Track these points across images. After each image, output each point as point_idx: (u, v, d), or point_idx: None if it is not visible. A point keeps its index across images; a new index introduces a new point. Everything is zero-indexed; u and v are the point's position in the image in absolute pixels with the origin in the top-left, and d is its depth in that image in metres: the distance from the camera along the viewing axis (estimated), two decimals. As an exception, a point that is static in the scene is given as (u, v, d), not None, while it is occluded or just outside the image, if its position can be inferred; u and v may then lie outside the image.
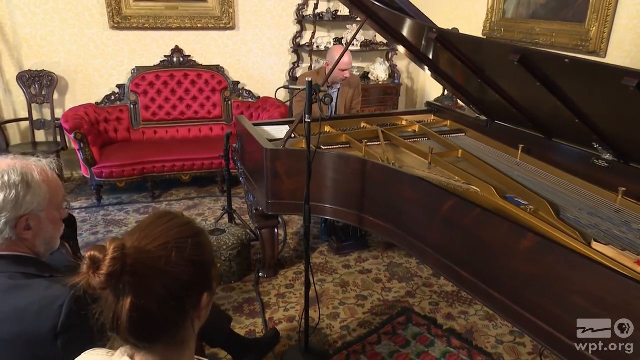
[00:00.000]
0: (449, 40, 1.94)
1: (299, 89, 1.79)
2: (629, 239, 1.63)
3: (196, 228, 0.81)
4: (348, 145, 2.66)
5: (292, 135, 2.57)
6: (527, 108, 2.22)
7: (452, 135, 2.84)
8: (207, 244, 0.82)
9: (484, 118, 2.73)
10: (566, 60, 1.43)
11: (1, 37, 3.90)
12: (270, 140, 2.52)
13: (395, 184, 2.05)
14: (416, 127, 2.96)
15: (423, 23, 1.99)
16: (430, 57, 2.48)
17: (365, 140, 2.50)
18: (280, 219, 3.50)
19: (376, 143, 2.65)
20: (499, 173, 2.14)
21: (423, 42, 2.30)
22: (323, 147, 2.54)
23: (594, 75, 1.44)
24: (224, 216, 3.31)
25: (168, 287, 0.73)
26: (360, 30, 4.46)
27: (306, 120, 1.79)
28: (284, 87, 1.84)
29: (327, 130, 2.87)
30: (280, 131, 2.74)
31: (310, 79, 1.77)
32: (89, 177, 3.79)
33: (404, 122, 3.07)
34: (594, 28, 2.61)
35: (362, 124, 3.00)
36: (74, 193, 4.09)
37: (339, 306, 2.62)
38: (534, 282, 1.50)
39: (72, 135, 3.60)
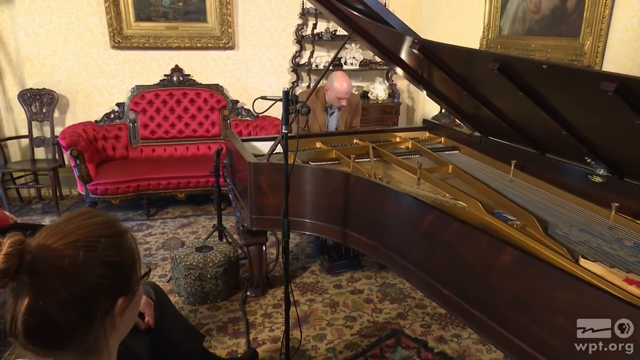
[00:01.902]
0: (432, 51, 1.89)
1: (276, 99, 1.75)
2: (619, 256, 1.54)
3: (116, 228, 0.76)
4: (337, 162, 2.61)
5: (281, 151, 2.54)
6: (517, 122, 2.16)
7: (446, 152, 2.79)
8: (128, 246, 0.76)
9: (478, 134, 2.67)
10: (544, 66, 1.38)
11: (4, 56, 3.98)
12: (257, 156, 2.49)
13: (378, 198, 1.98)
14: (409, 144, 2.91)
15: (406, 34, 1.95)
16: (423, 74, 2.44)
17: (353, 156, 2.46)
18: (274, 237, 3.44)
19: (366, 159, 2.60)
20: (489, 189, 2.07)
21: (414, 59, 2.26)
22: (311, 163, 2.49)
23: (573, 82, 1.38)
24: (214, 234, 3.26)
25: (72, 288, 0.67)
26: (359, 49, 4.56)
27: (283, 131, 1.74)
28: (262, 97, 1.81)
29: (318, 146, 2.83)
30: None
31: (287, 91, 1.73)
32: (84, 194, 3.79)
33: (397, 139, 3.03)
34: (588, 42, 2.56)
35: (355, 141, 2.96)
36: (70, 210, 4.09)
37: (326, 327, 2.52)
38: (514, 301, 1.41)
39: (68, 152, 3.61)
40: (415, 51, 1.90)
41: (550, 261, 1.43)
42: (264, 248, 2.73)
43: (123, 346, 1.47)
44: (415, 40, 1.87)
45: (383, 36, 2.18)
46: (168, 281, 2.93)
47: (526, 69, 1.52)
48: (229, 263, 2.73)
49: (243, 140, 2.80)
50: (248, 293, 2.79)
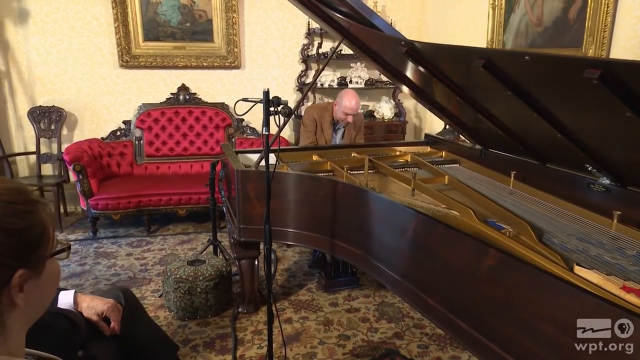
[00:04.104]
0: (420, 53, 1.84)
1: (256, 101, 1.71)
2: (620, 264, 1.43)
3: (24, 196, 0.70)
4: (332, 173, 2.55)
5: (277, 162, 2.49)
6: (514, 130, 2.07)
7: (446, 165, 2.70)
8: (36, 216, 0.70)
9: (479, 147, 2.59)
10: (526, 57, 1.31)
11: (17, 75, 4.09)
12: (248, 166, 2.44)
13: (364, 205, 1.90)
14: (408, 157, 2.84)
15: (392, 36, 1.91)
16: (424, 88, 2.39)
17: (347, 166, 2.39)
18: (272, 255, 3.35)
19: (361, 172, 2.53)
20: (484, 198, 1.97)
21: (411, 70, 2.21)
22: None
23: (558, 73, 1.29)
24: (209, 249, 3.20)
25: None
26: (365, 68, 4.56)
27: (264, 133, 1.70)
28: (243, 99, 1.78)
29: (315, 159, 2.78)
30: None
31: (267, 91, 1.70)
32: (86, 209, 3.79)
33: (397, 153, 2.95)
34: (591, 51, 2.48)
35: (353, 154, 2.90)
36: (73, 226, 4.09)
37: (317, 345, 2.40)
38: (499, 308, 1.30)
39: (71, 167, 3.63)
40: (404, 54, 1.85)
41: (539, 266, 1.32)
42: (256, 262, 2.65)
43: (84, 351, 1.41)
44: (402, 42, 1.82)
45: (372, 41, 2.15)
46: (160, 296, 2.86)
47: (511, 63, 1.45)
48: (220, 277, 2.65)
49: (238, 152, 2.77)
50: (240, 309, 2.69)
